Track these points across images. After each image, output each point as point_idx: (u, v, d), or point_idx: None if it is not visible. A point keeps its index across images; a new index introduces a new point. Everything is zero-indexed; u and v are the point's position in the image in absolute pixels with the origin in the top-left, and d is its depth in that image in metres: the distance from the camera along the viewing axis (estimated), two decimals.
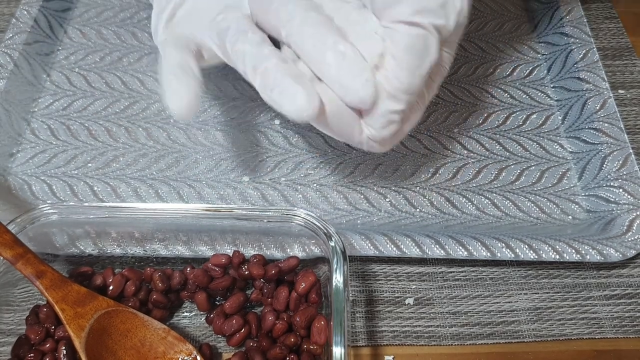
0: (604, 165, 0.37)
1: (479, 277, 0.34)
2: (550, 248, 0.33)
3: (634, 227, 0.34)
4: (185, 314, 0.33)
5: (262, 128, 0.40)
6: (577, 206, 0.37)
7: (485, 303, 0.33)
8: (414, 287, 0.34)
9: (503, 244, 0.33)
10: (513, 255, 0.32)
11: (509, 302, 0.33)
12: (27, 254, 0.28)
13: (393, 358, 0.32)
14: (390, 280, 0.34)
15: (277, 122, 0.41)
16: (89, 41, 0.45)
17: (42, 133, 0.40)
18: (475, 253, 0.32)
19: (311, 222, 0.30)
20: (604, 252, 0.33)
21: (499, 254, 0.32)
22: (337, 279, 0.28)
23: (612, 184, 0.36)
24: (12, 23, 0.42)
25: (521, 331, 0.32)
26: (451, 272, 0.34)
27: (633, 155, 0.37)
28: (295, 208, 0.31)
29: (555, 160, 0.39)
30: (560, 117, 0.41)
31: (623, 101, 0.43)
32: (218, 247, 0.32)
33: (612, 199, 0.36)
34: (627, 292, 0.34)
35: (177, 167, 0.38)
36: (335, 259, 0.29)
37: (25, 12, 0.43)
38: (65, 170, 0.38)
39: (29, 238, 0.30)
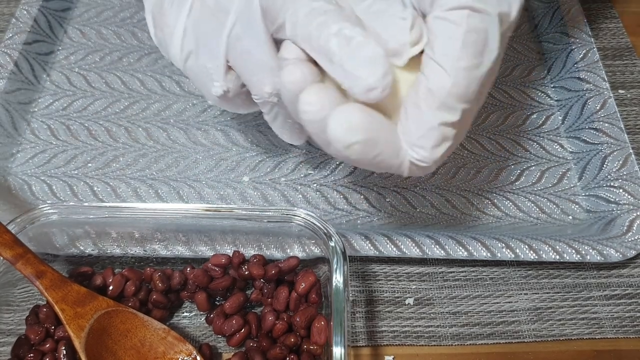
0: (604, 166, 0.37)
1: (479, 277, 0.34)
2: (550, 248, 0.33)
3: (634, 227, 0.34)
4: (185, 314, 0.33)
5: (262, 128, 0.40)
6: (577, 206, 0.37)
7: (486, 303, 0.33)
8: (414, 287, 0.34)
9: (503, 244, 0.33)
10: (513, 256, 0.32)
11: (509, 302, 0.33)
12: (27, 254, 0.28)
13: (393, 358, 0.32)
14: (390, 280, 0.34)
15: None
16: (89, 41, 0.45)
17: (42, 133, 0.40)
18: (475, 253, 0.32)
19: (311, 222, 0.30)
20: (604, 252, 0.33)
21: (499, 254, 0.32)
22: (337, 279, 0.28)
23: (612, 184, 0.36)
24: (12, 23, 0.42)
25: (521, 331, 0.32)
26: (451, 272, 0.34)
27: (633, 155, 0.37)
28: (295, 208, 0.31)
29: (555, 160, 0.39)
30: (560, 117, 0.41)
31: (623, 101, 0.43)
32: (218, 247, 0.32)
33: (612, 199, 0.36)
34: (627, 292, 0.34)
35: (177, 167, 0.38)
36: (335, 259, 0.29)
37: (25, 12, 0.43)
38: (65, 170, 0.38)
39: (29, 238, 0.30)
